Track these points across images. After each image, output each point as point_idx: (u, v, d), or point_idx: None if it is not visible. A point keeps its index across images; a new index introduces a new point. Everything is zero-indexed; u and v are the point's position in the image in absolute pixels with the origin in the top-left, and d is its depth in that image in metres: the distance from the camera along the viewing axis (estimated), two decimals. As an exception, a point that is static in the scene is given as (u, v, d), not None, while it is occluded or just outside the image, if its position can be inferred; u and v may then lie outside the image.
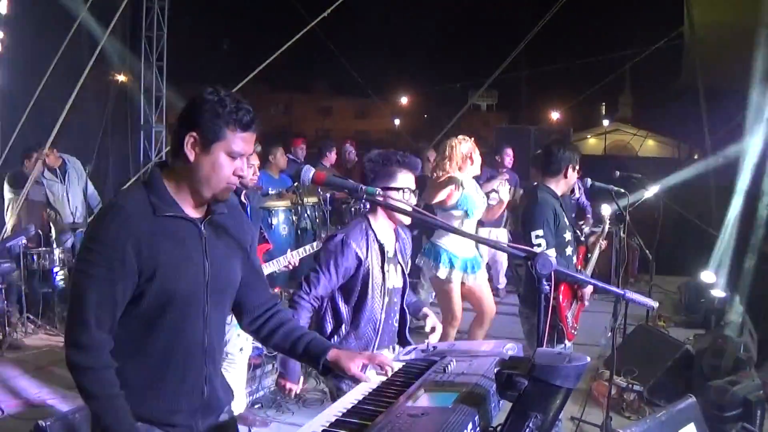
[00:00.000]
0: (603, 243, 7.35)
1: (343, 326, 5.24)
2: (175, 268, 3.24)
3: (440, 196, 8.17)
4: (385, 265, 5.25)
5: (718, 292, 11.16)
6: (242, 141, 3.24)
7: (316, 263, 5.19)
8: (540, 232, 6.29)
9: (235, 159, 3.24)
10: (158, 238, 3.20)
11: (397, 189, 5.19)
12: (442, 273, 8.33)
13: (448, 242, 8.27)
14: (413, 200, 5.32)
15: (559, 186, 6.67)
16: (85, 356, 3.13)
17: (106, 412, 3.14)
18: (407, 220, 5.29)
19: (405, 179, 5.26)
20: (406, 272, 5.50)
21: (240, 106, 3.21)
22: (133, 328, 3.26)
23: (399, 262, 5.40)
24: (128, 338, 3.25)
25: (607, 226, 7.53)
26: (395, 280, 5.36)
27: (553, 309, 6.17)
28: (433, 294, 10.64)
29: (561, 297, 6.31)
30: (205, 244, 3.35)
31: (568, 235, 6.54)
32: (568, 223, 6.61)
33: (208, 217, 3.41)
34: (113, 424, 3.14)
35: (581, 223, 11.58)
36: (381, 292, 5.23)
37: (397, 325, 5.48)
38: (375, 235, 5.21)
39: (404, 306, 5.48)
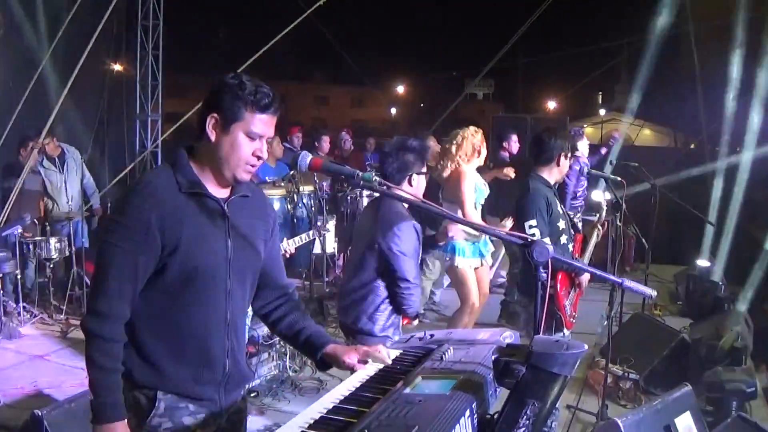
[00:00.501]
0: (600, 230, 7.33)
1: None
2: (198, 243, 3.34)
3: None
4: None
5: (716, 281, 11.19)
6: (261, 122, 3.36)
7: (397, 253, 5.39)
8: (533, 222, 6.29)
9: (254, 140, 3.37)
10: (182, 213, 3.31)
11: (426, 173, 5.61)
12: (459, 263, 8.42)
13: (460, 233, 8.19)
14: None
15: (552, 174, 6.65)
16: (99, 324, 3.23)
17: (101, 383, 3.23)
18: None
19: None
20: None
21: (259, 89, 3.33)
22: (157, 302, 3.36)
23: None
24: (152, 311, 3.36)
25: (604, 213, 7.49)
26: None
27: (551, 298, 6.17)
28: (446, 281, 10.73)
29: (559, 286, 6.30)
30: (228, 223, 3.45)
31: (562, 224, 6.52)
32: (561, 212, 6.59)
33: (232, 197, 3.50)
34: (102, 395, 3.22)
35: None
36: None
37: None
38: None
39: None
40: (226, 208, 3.45)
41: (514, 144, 12.92)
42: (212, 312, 3.45)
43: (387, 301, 5.52)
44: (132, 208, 3.26)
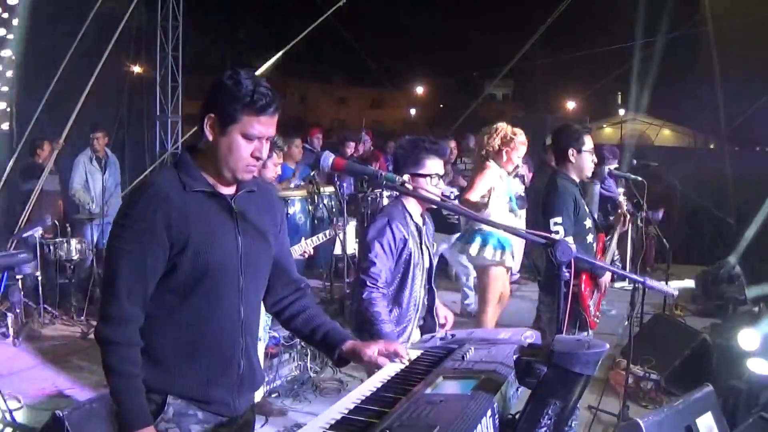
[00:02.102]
0: (625, 218, 7.27)
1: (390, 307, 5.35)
2: (208, 240, 3.31)
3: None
4: (423, 245, 5.43)
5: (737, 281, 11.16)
6: (258, 124, 3.29)
7: (366, 255, 5.25)
8: (559, 219, 6.26)
9: (252, 141, 3.31)
10: (189, 212, 3.28)
11: (426, 176, 5.31)
12: (493, 255, 8.23)
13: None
14: (442, 185, 5.48)
15: (570, 172, 6.63)
16: (114, 330, 3.20)
17: (122, 390, 3.19)
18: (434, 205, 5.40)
19: (434, 165, 5.36)
20: (432, 253, 5.65)
21: (258, 89, 3.25)
22: (168, 302, 3.32)
23: (426, 244, 5.52)
24: (163, 312, 3.32)
25: (624, 207, 7.43)
26: (426, 260, 5.49)
27: (575, 298, 6.18)
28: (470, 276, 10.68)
29: (583, 286, 6.29)
30: (237, 219, 3.43)
31: (588, 223, 6.50)
32: (588, 211, 6.57)
33: (238, 193, 3.48)
34: (125, 402, 3.18)
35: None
36: (421, 271, 5.40)
37: (426, 302, 5.58)
38: (411, 216, 5.38)
39: (432, 285, 5.58)
40: (233, 204, 3.44)
41: None
42: (225, 310, 3.41)
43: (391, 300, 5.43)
44: (136, 210, 3.24)
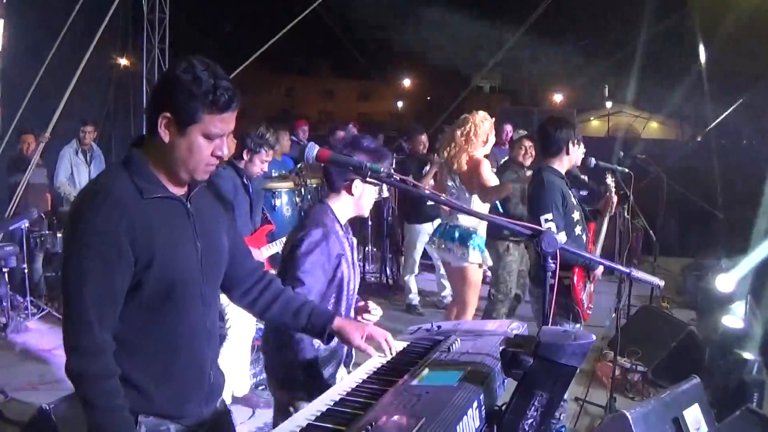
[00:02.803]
0: (614, 202, 7.25)
1: None
2: (172, 251, 3.06)
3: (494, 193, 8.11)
4: (354, 261, 4.67)
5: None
6: (221, 122, 3.03)
7: (295, 271, 4.33)
8: (549, 216, 6.22)
9: (213, 140, 3.05)
10: (151, 223, 3.00)
11: (375, 183, 4.51)
12: (476, 258, 8.13)
13: (478, 226, 8.09)
14: (376, 192, 4.73)
15: (563, 164, 6.58)
16: (90, 362, 2.91)
17: (109, 426, 2.94)
18: (367, 212, 4.70)
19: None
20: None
21: (218, 84, 2.97)
22: (135, 321, 3.06)
23: (356, 260, 4.73)
24: (131, 333, 3.06)
25: (613, 191, 7.39)
26: (357, 280, 4.69)
27: (567, 290, 6.16)
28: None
29: (576, 278, 6.27)
30: (194, 221, 3.20)
31: (576, 215, 6.47)
32: (575, 202, 6.55)
33: (191, 193, 3.24)
34: None
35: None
36: (354, 286, 4.60)
37: None
38: (340, 224, 4.57)
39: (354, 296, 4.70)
40: (189, 206, 3.19)
41: (506, 134, 13.04)
42: (193, 322, 3.20)
43: None
44: (96, 224, 2.90)
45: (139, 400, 3.07)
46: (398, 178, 3.61)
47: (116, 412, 2.94)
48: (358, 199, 4.54)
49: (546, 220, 6.21)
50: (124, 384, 3.00)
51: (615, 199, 7.26)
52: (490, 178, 8.04)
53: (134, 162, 3.08)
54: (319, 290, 4.33)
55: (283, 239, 7.31)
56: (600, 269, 6.60)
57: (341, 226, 4.55)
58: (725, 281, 8.65)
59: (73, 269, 2.93)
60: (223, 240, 3.40)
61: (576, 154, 6.61)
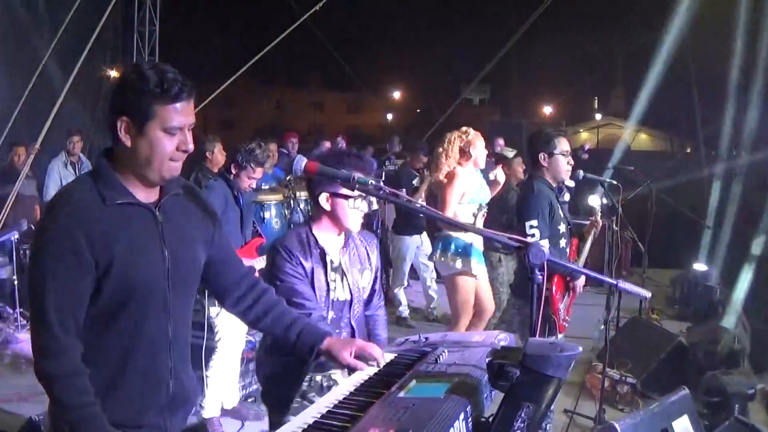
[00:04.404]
0: (598, 226, 7.29)
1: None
2: (132, 258, 3.06)
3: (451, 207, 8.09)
4: (329, 274, 4.53)
5: (712, 284, 11.24)
6: (176, 113, 3.02)
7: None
8: (534, 222, 6.24)
9: (174, 135, 3.04)
10: (111, 228, 3.02)
11: (346, 197, 4.41)
12: (461, 265, 8.04)
13: (468, 236, 8.02)
14: (364, 207, 4.51)
15: (550, 176, 6.62)
16: (54, 363, 2.95)
17: (82, 423, 2.96)
18: (356, 227, 4.54)
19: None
20: (357, 284, 4.67)
21: (165, 76, 2.99)
22: (90, 329, 3.06)
23: (345, 273, 4.62)
24: (86, 340, 3.04)
25: (599, 216, 7.45)
26: (341, 292, 4.60)
27: (546, 300, 6.15)
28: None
29: (554, 289, 6.28)
30: (162, 229, 3.18)
31: (562, 227, 6.49)
32: (562, 215, 6.57)
33: (162, 199, 3.22)
34: None
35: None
36: (325, 305, 4.50)
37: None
38: (316, 240, 4.49)
39: (352, 322, 4.65)
40: (157, 213, 3.18)
41: (497, 147, 13.12)
42: (152, 331, 3.18)
43: None
44: (56, 230, 2.96)
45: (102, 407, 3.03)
46: (387, 191, 3.59)
47: (88, 408, 2.96)
48: (332, 214, 4.46)
49: (531, 227, 6.22)
50: None
51: (599, 224, 7.31)
52: (452, 195, 8.04)
53: (99, 170, 3.11)
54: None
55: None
56: (581, 281, 6.62)
57: (315, 240, 4.49)
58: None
59: (35, 273, 2.98)
60: (196, 250, 3.37)
61: (554, 166, 6.60)
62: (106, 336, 3.10)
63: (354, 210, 4.44)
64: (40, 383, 2.98)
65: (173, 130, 3.03)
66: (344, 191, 4.33)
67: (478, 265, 8.11)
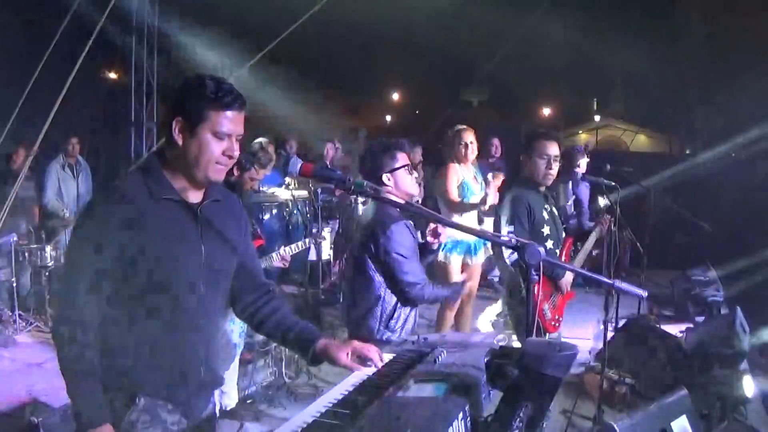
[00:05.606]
0: (604, 224, 7.32)
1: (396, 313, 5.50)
2: (170, 249, 3.33)
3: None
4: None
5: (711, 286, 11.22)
6: (227, 120, 3.31)
7: (394, 256, 5.36)
8: (510, 228, 6.27)
9: (222, 139, 3.32)
10: (153, 220, 3.28)
11: (402, 167, 5.48)
12: (441, 257, 8.42)
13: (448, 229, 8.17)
14: (416, 174, 5.68)
15: (533, 176, 6.64)
16: (68, 329, 3.22)
17: (77, 388, 3.23)
18: (416, 190, 5.66)
19: (404, 158, 5.51)
20: None
21: (221, 86, 3.30)
22: (129, 309, 3.31)
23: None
24: (123, 319, 3.31)
25: (603, 215, 7.48)
26: None
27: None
28: None
29: (535, 288, 6.29)
30: (202, 228, 3.44)
31: (546, 229, 6.50)
32: (547, 217, 6.57)
33: (204, 202, 3.48)
34: (80, 400, 3.23)
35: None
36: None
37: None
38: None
39: None
40: (199, 212, 3.45)
41: (492, 148, 13.10)
42: (185, 320, 3.44)
43: (398, 306, 5.48)
44: (97, 213, 3.26)
45: (130, 384, 3.36)
46: (378, 192, 3.72)
47: (85, 377, 3.23)
48: (396, 189, 5.37)
49: (508, 232, 6.24)
50: (117, 369, 3.32)
51: (606, 222, 7.33)
52: (450, 188, 8.31)
53: (150, 166, 3.42)
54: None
55: (274, 255, 7.38)
56: (567, 279, 6.63)
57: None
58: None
59: (71, 249, 3.42)
60: (231, 253, 3.64)
61: (530, 168, 6.63)
62: (142, 317, 3.35)
63: (410, 178, 5.55)
64: (53, 341, 3.31)
65: (222, 135, 3.33)
66: (398, 165, 5.47)
67: (460, 256, 8.53)
